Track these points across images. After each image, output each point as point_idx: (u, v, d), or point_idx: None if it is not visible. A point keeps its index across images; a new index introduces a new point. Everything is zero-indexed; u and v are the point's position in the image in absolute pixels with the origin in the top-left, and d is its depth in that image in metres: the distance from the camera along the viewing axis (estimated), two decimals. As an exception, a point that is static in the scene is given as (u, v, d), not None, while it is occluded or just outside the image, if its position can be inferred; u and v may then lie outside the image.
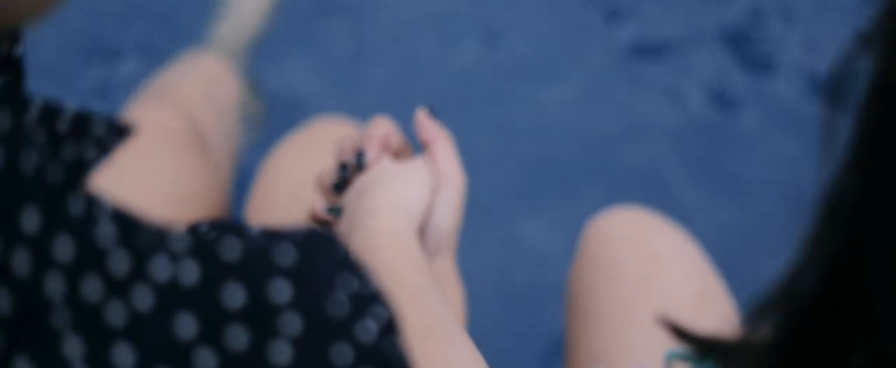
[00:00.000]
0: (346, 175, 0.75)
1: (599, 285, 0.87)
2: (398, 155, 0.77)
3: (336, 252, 0.44)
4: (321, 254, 0.43)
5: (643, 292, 0.84)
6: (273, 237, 0.42)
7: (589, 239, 0.93)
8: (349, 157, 0.75)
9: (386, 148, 0.75)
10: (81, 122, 0.43)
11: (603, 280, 0.87)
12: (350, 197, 0.72)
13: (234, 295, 0.40)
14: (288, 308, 0.41)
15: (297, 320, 0.41)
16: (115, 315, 0.38)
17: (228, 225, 0.44)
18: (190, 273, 0.40)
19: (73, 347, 0.37)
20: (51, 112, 0.43)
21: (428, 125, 0.74)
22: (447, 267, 0.73)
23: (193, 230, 0.42)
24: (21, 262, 0.37)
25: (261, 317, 0.40)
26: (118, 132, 0.43)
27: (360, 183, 0.72)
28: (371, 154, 0.74)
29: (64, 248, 0.37)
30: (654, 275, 0.86)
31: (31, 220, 0.37)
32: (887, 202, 0.36)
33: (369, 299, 0.43)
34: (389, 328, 0.44)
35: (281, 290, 0.41)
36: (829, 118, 0.39)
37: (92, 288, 0.38)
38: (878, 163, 0.36)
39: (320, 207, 0.75)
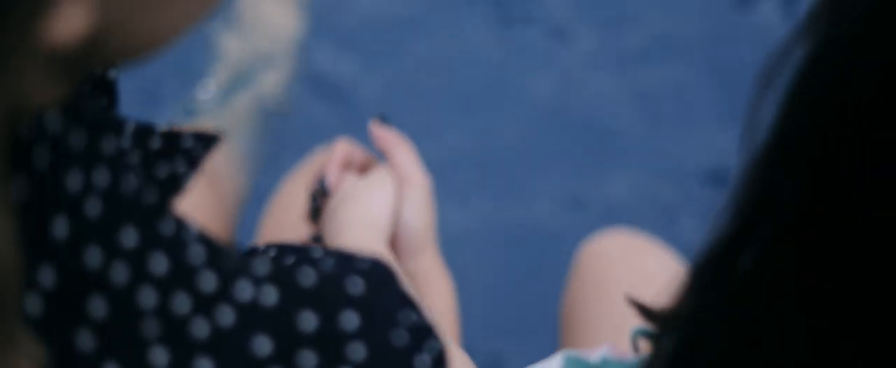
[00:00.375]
0: (316, 203, 0.79)
1: (591, 304, 0.90)
2: (364, 169, 0.80)
3: (398, 286, 0.47)
4: (386, 288, 0.46)
5: (632, 311, 0.88)
6: (342, 263, 0.45)
7: (582, 259, 0.96)
8: (314, 186, 0.79)
9: (348, 167, 0.79)
10: (172, 138, 0.45)
11: (595, 299, 0.90)
12: (326, 222, 0.76)
13: (308, 321, 0.43)
14: (355, 337, 0.43)
15: (363, 349, 0.44)
16: (200, 329, 0.41)
17: (299, 248, 0.47)
18: (269, 296, 0.42)
19: (160, 357, 0.40)
20: (144, 132, 0.46)
21: (382, 134, 0.77)
22: (430, 264, 0.76)
23: (267, 254, 0.45)
24: (119, 273, 0.39)
25: (331, 343, 0.43)
26: (205, 142, 0.46)
27: (331, 205, 0.76)
28: (330, 178, 0.78)
29: (159, 263, 0.40)
30: (643, 295, 0.89)
31: (129, 237, 0.40)
32: (803, 179, 0.40)
33: (425, 332, 0.46)
34: (440, 360, 0.47)
35: (350, 320, 0.44)
36: (757, 99, 0.42)
37: (181, 303, 0.40)
38: (797, 141, 0.40)
39: (305, 237, 0.78)
